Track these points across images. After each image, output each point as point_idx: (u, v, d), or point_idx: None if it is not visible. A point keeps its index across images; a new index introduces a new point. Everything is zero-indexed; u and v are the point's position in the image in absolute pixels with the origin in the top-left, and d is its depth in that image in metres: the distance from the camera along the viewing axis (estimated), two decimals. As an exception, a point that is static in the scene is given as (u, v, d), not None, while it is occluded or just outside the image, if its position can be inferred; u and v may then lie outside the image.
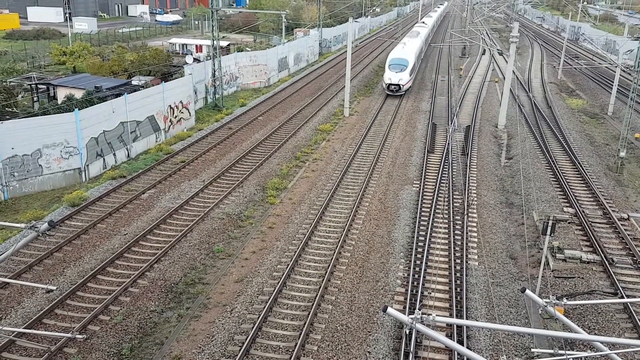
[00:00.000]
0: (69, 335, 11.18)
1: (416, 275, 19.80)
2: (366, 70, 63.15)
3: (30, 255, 20.52)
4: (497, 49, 62.30)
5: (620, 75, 48.36)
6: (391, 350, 16.00)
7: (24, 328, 15.87)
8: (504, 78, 44.14)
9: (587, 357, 8.97)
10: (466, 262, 20.92)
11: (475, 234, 23.34)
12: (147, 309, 17.59)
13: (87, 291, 18.41)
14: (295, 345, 15.67)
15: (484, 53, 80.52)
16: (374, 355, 15.72)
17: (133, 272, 19.48)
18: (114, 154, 30.45)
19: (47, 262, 20.12)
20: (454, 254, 21.43)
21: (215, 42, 42.72)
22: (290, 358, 15.21)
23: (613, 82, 47.59)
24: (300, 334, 16.19)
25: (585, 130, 41.00)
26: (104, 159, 29.65)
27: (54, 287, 10.89)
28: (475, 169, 31.30)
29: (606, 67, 65.70)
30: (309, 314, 17.15)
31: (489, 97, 51.49)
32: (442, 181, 28.98)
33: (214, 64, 43.61)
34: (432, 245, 22.08)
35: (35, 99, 38.53)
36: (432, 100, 48.46)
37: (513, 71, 46.49)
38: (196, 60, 52.34)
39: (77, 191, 25.77)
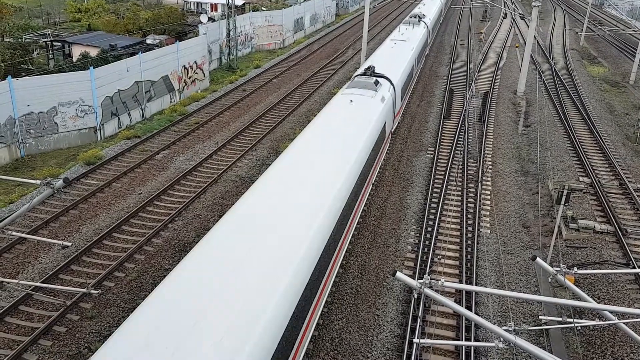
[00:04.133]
0: (84, 290, 11.42)
1: (427, 242, 19.85)
2: (384, 32, 61.98)
3: (47, 212, 20.87)
4: (519, 13, 60.53)
5: (645, 42, 46.94)
6: (399, 314, 16.19)
7: (41, 282, 16.28)
8: (525, 43, 43.11)
9: (595, 325, 8.99)
10: (478, 229, 20.89)
11: (488, 202, 23.23)
12: (162, 267, 17.90)
13: (102, 248, 18.75)
14: (305, 307, 15.89)
15: (505, 17, 78.51)
16: (382, 318, 15.92)
17: (148, 231, 19.77)
18: (129, 114, 30.52)
19: (63, 219, 20.46)
20: (466, 221, 21.40)
21: (230, 0, 42.05)
22: (300, 319, 15.44)
23: (636, 49, 46.25)
24: (310, 296, 16.39)
25: (605, 98, 40.13)
26: (118, 119, 29.74)
27: (69, 244, 11.08)
28: (491, 136, 30.92)
29: (630, 34, 63.81)
30: (319, 277, 17.32)
31: (509, 62, 50.42)
32: (457, 148, 28.71)
33: (228, 24, 43.06)
34: (444, 213, 22.05)
35: (50, 56, 38.50)
36: (451, 65, 47.59)
37: (534, 36, 45.33)
38: (211, 19, 51.68)
39: (93, 150, 25.97)
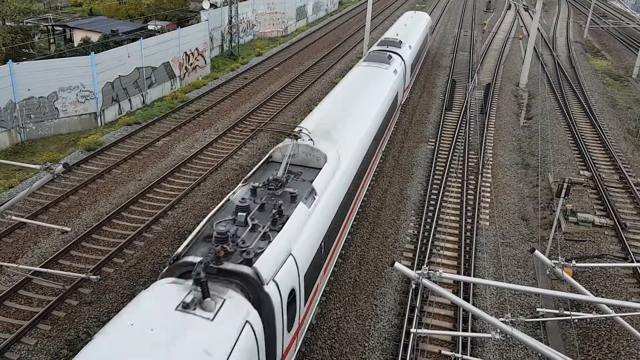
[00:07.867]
0: (84, 275, 11.45)
1: (426, 233, 19.87)
2: (387, 21, 61.63)
3: (47, 197, 20.88)
4: (523, 5, 60.08)
5: (649, 36, 46.67)
6: (397, 304, 16.24)
7: (40, 267, 16.32)
8: (529, 35, 42.89)
9: (592, 318, 9.02)
10: (477, 221, 20.91)
11: (488, 194, 23.23)
12: (161, 254, 17.94)
13: (102, 234, 18.78)
14: (304, 295, 15.92)
15: (509, 8, 78.04)
16: (380, 308, 15.98)
17: (147, 218, 19.78)
18: (130, 100, 30.42)
19: (63, 205, 20.47)
20: (466, 213, 21.41)
21: (233, -12, 41.79)
22: (298, 307, 15.47)
23: (641, 43, 46.01)
24: (308, 285, 16.41)
25: (607, 92, 39.97)
26: (119, 105, 29.65)
27: (69, 229, 11.09)
28: (493, 128, 30.85)
29: (634, 27, 63.44)
30: (318, 266, 17.34)
31: (512, 54, 50.18)
32: (459, 140, 28.66)
33: (230, 10, 42.82)
34: (444, 204, 22.05)
35: (51, 41, 38.30)
36: (453, 56, 47.37)
37: (538, 28, 45.06)
38: (213, 5, 51.30)
39: (93, 136, 25.93)
